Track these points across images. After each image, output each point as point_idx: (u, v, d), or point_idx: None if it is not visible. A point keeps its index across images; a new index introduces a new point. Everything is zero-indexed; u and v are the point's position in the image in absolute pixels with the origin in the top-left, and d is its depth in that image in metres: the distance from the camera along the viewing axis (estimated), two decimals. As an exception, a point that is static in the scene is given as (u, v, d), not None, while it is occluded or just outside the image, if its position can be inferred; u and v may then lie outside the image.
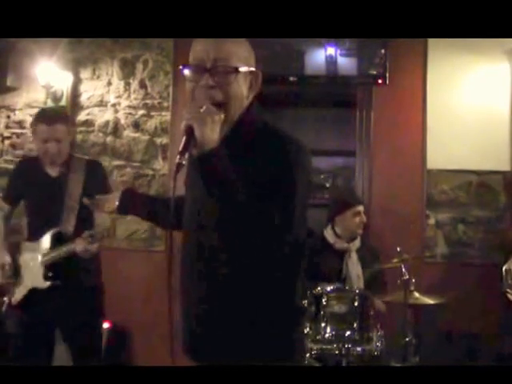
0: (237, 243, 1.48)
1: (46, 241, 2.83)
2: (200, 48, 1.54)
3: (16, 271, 2.88)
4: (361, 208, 3.37)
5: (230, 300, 1.54)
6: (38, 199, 2.88)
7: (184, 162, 1.43)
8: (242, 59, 1.54)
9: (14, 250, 2.92)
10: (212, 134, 1.43)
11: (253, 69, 1.58)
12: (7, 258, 2.86)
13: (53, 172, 2.88)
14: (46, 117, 2.84)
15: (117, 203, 1.90)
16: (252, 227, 1.44)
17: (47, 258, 2.79)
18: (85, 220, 2.83)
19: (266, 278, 1.52)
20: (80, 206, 2.75)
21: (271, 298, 1.55)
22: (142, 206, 1.91)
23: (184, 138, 1.43)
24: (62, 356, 3.12)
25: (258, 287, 1.52)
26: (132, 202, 1.91)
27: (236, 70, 1.51)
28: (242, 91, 1.55)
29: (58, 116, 2.90)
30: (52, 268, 2.79)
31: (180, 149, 1.43)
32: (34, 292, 2.82)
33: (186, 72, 1.55)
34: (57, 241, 2.81)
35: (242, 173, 1.44)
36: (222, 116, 1.49)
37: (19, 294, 2.86)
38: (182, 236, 1.66)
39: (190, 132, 1.42)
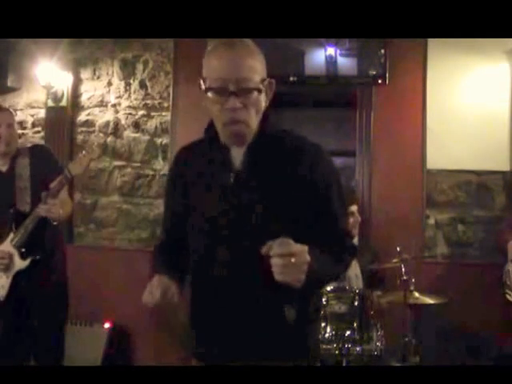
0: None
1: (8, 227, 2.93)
2: (218, 67, 1.52)
3: None
4: (353, 208, 3.37)
5: (241, 302, 1.55)
6: None
7: None
8: (259, 72, 1.55)
9: None
10: None
11: (268, 79, 1.58)
12: None
13: (3, 167, 3.01)
14: None
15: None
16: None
17: (17, 238, 2.88)
18: (39, 197, 2.84)
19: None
20: (31, 185, 2.94)
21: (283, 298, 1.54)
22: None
23: None
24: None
25: (268, 288, 1.50)
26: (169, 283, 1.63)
27: (259, 90, 1.53)
28: (262, 104, 1.58)
29: (4, 107, 3.23)
30: (24, 246, 2.87)
31: None
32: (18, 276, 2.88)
33: (210, 95, 1.54)
34: (18, 220, 2.89)
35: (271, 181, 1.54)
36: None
37: (5, 286, 2.90)
38: (193, 241, 1.65)
39: None
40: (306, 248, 1.41)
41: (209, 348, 1.61)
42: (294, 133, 1.66)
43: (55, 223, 2.89)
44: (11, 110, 3.23)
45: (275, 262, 1.38)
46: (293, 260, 1.37)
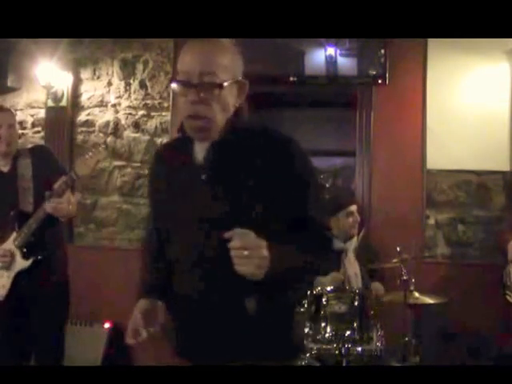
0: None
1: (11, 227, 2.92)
2: (187, 61, 1.53)
3: None
4: (353, 208, 3.38)
5: (226, 300, 1.56)
6: None
7: None
8: (229, 70, 1.54)
9: None
10: None
11: (239, 78, 1.58)
12: None
13: (4, 168, 3.00)
14: None
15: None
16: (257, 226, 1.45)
17: (20, 238, 2.87)
18: (42, 197, 2.84)
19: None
20: (33, 185, 2.93)
21: (266, 297, 1.55)
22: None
23: None
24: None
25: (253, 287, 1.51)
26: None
27: (220, 86, 1.51)
28: (228, 102, 1.56)
29: (5, 107, 3.17)
30: (26, 246, 2.87)
31: None
32: (19, 276, 2.87)
33: (175, 87, 1.56)
34: (21, 220, 2.89)
35: (240, 174, 1.54)
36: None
37: (6, 286, 2.89)
38: (179, 238, 1.66)
39: None
40: (262, 243, 1.42)
41: (190, 346, 1.63)
42: (268, 128, 1.65)
43: (63, 219, 2.90)
44: (12, 110, 3.23)
45: (232, 254, 1.41)
46: (246, 253, 1.39)
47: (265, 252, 1.41)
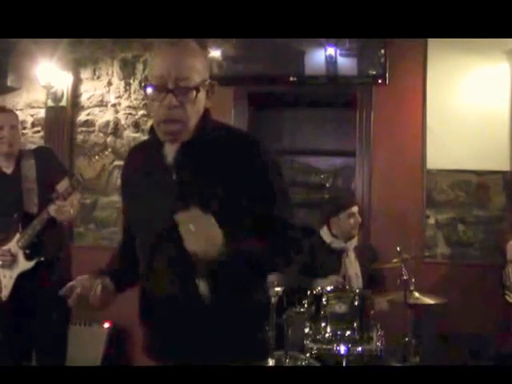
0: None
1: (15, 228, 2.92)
2: (160, 65, 1.54)
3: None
4: (355, 209, 3.37)
5: (196, 301, 1.56)
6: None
7: None
8: (201, 72, 1.56)
9: None
10: None
11: (209, 80, 1.60)
12: None
13: (7, 170, 3.01)
14: None
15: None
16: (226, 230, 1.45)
17: (23, 239, 2.88)
18: (46, 199, 2.85)
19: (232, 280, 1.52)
20: (38, 186, 2.94)
21: (235, 297, 1.56)
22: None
23: None
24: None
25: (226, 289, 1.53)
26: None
27: (197, 89, 1.53)
28: (201, 104, 1.59)
29: (8, 108, 3.23)
30: (30, 247, 2.88)
31: None
32: (21, 277, 2.88)
33: (149, 91, 1.56)
34: (25, 222, 2.89)
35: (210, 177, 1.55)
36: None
37: (8, 286, 2.91)
38: (150, 238, 1.66)
39: None
40: (211, 219, 1.42)
41: (160, 345, 1.65)
42: (233, 128, 1.71)
43: (65, 222, 2.91)
44: (15, 111, 3.23)
45: (180, 231, 1.41)
46: (192, 228, 1.39)
47: (213, 227, 1.42)
